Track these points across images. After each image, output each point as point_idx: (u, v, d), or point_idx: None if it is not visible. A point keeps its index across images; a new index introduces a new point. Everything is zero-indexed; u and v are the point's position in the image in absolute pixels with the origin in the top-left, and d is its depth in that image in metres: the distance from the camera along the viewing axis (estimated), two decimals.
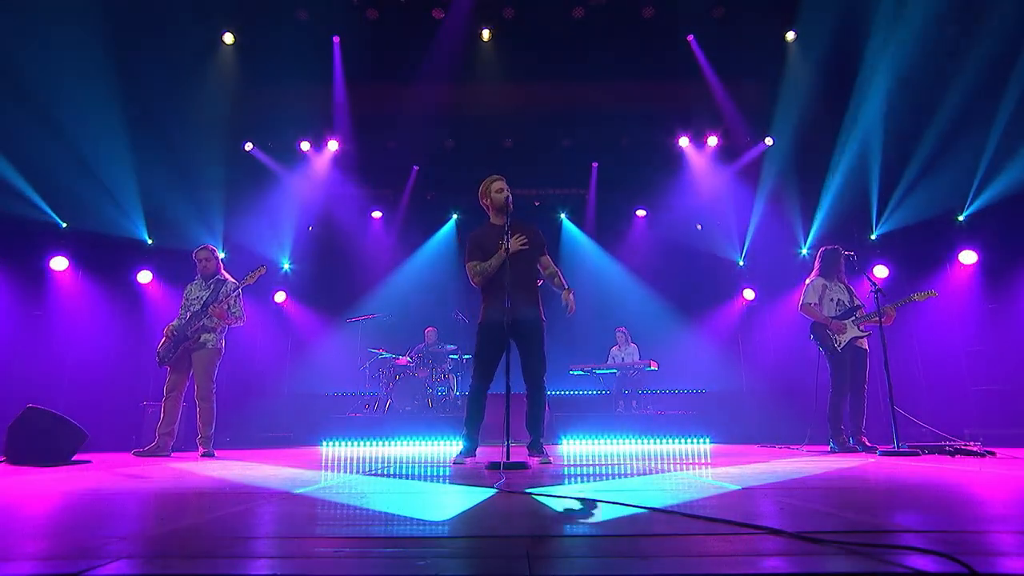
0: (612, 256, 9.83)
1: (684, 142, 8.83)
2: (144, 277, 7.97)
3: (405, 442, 6.64)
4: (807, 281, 5.30)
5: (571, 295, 3.80)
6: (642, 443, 6.62)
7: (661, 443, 6.62)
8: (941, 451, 4.12)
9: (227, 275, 5.20)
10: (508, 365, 3.41)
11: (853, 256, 4.99)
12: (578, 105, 8.16)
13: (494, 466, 3.04)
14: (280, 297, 9.01)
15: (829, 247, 5.26)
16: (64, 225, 7.48)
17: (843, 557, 1.06)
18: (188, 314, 4.98)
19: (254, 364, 8.41)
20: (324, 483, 2.65)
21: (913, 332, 7.49)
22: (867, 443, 4.78)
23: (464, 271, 3.96)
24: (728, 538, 1.28)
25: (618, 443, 6.60)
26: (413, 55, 7.59)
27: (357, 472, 3.26)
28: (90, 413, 6.97)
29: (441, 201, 9.81)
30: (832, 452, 4.74)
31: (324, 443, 6.70)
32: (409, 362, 7.88)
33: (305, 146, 8.64)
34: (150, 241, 8.05)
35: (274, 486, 2.48)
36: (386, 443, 6.66)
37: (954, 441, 4.52)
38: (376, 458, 4.47)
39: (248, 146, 8.55)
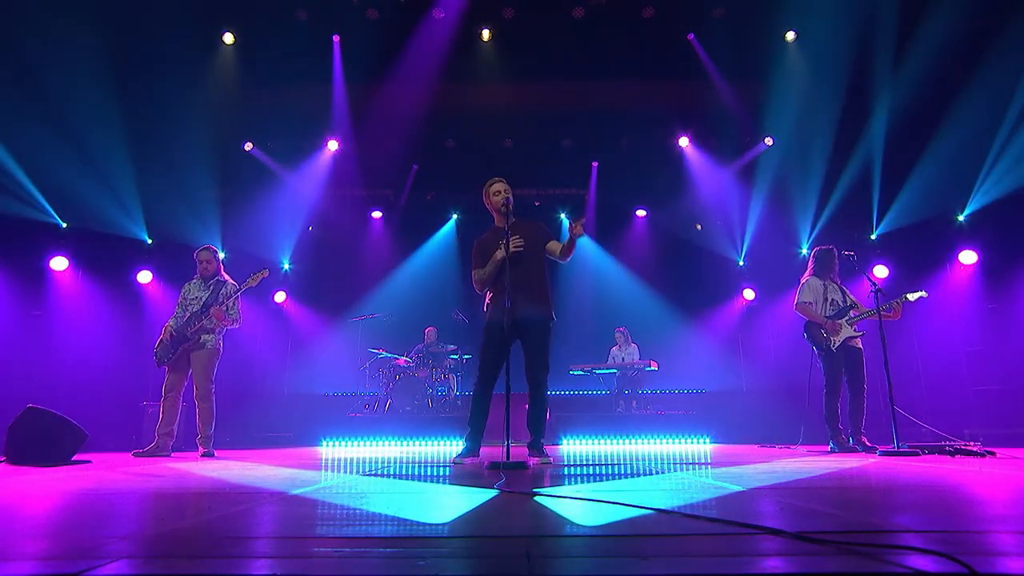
0: (612, 256, 9.83)
1: (684, 142, 8.83)
2: (144, 277, 7.97)
3: (405, 442, 6.64)
4: (802, 280, 5.31)
5: (579, 225, 3.59)
6: (642, 443, 6.62)
7: (661, 443, 6.62)
8: (941, 451, 4.12)
9: (227, 277, 5.18)
10: (508, 365, 3.41)
11: (853, 256, 4.98)
12: (578, 105, 8.15)
13: (494, 466, 3.04)
14: (280, 297, 9.01)
15: (823, 247, 5.27)
16: (64, 225, 7.49)
17: (843, 557, 1.06)
18: (187, 314, 4.97)
19: (254, 364, 8.41)
20: (324, 483, 2.65)
21: (913, 332, 7.49)
22: (867, 443, 4.78)
23: (469, 276, 3.96)
24: (728, 538, 1.28)
25: (618, 443, 6.60)
26: (413, 55, 7.58)
27: (357, 472, 3.26)
28: (90, 413, 6.97)
29: (441, 201, 9.82)
30: (832, 452, 4.74)
31: (324, 443, 6.70)
32: (409, 362, 7.88)
33: (312, 146, 8.63)
34: (150, 241, 8.05)
35: (274, 486, 2.48)
36: (386, 443, 6.66)
37: (954, 441, 4.52)
38: (376, 458, 4.47)
39: (248, 146, 8.55)
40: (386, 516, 1.67)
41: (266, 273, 4.96)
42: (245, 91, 7.86)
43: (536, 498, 1.96)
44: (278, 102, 8.01)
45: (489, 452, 3.97)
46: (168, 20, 6.80)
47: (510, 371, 3.38)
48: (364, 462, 4.04)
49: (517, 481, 2.46)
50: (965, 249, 7.25)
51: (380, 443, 6.67)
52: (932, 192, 7.27)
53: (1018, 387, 6.54)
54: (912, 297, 4.87)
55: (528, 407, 3.75)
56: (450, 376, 7.88)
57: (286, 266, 9.20)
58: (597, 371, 8.23)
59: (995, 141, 6.72)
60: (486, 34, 7.79)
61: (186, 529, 1.48)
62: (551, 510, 1.72)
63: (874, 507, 1.82)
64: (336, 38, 7.80)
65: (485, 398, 3.77)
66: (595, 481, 2.60)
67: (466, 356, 8.07)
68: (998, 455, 3.94)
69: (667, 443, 6.62)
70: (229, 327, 5.08)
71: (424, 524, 1.53)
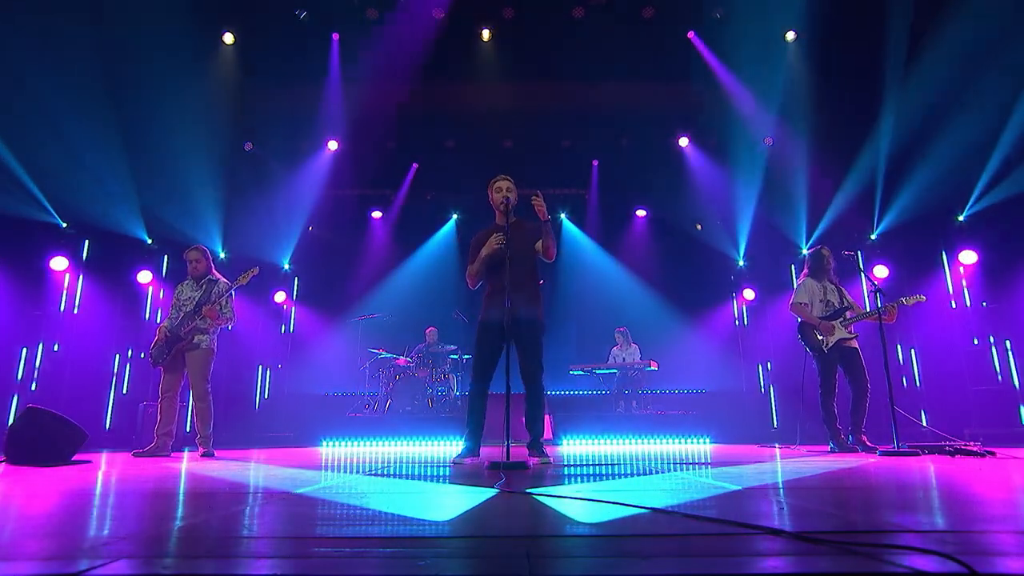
0: (612, 256, 9.83)
1: (684, 142, 8.83)
2: (144, 277, 7.97)
3: (405, 442, 6.64)
4: (798, 281, 5.33)
5: (540, 201, 3.59)
6: (642, 443, 6.62)
7: (661, 443, 6.62)
8: (941, 451, 4.12)
9: (219, 275, 5.18)
10: (508, 365, 3.41)
11: (853, 256, 4.98)
12: (578, 105, 8.16)
13: (494, 466, 3.04)
14: (280, 297, 9.01)
15: (814, 249, 5.29)
16: (64, 225, 7.49)
17: (843, 557, 1.06)
18: (180, 315, 4.96)
19: (255, 364, 8.42)
20: (324, 483, 2.65)
21: (913, 332, 7.50)
22: (867, 443, 4.78)
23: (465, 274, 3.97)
24: (728, 538, 1.28)
25: (618, 443, 6.60)
26: (413, 55, 7.58)
27: (357, 472, 3.26)
28: (90, 413, 6.98)
29: (441, 201, 9.82)
30: (832, 452, 4.75)
31: (324, 443, 6.70)
32: (409, 362, 7.88)
33: (311, 145, 8.63)
34: (150, 241, 8.05)
35: (274, 486, 2.48)
36: (386, 443, 6.66)
37: (954, 441, 4.52)
38: (376, 458, 4.47)
39: (248, 146, 8.55)
40: (386, 516, 1.67)
41: (256, 271, 4.95)
42: (245, 91, 7.87)
43: (536, 498, 1.95)
44: (278, 102, 8.02)
45: (489, 452, 3.97)
46: (168, 19, 6.80)
47: (510, 371, 3.38)
48: (364, 462, 4.04)
49: (517, 481, 2.46)
50: (965, 249, 7.25)
51: (380, 443, 6.67)
52: (932, 192, 7.27)
53: (1018, 387, 6.54)
54: (909, 302, 4.87)
55: (526, 407, 3.75)
56: (450, 376, 7.88)
57: (286, 266, 9.20)
58: (597, 371, 8.24)
59: (997, 141, 6.72)
60: (486, 34, 7.79)
61: (186, 529, 1.48)
62: (551, 510, 1.72)
63: (874, 507, 1.82)
64: (335, 36, 7.80)
65: (482, 397, 3.77)
66: (595, 481, 2.60)
67: (466, 356, 8.07)
68: (998, 455, 3.94)
69: (667, 443, 6.62)
70: (223, 326, 5.07)
71: (424, 524, 1.53)
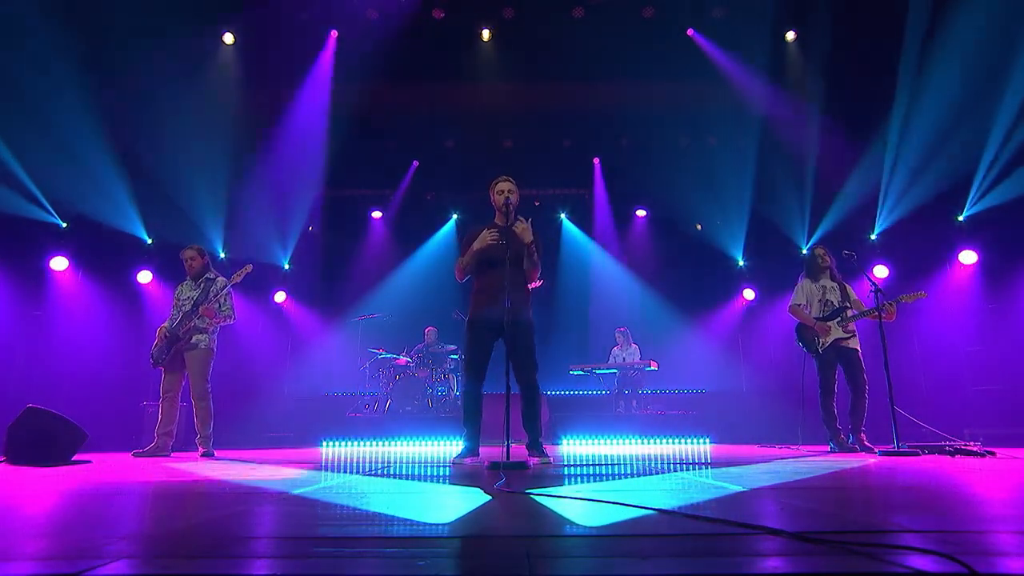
0: (612, 256, 9.83)
1: (684, 140, 8.82)
2: (144, 277, 7.97)
3: (405, 442, 6.64)
4: (797, 283, 5.34)
5: (525, 226, 3.70)
6: (642, 443, 6.62)
7: (661, 443, 6.62)
8: (941, 451, 4.12)
9: (216, 273, 5.18)
10: (508, 365, 3.41)
11: (853, 256, 4.98)
12: (578, 105, 8.16)
13: (494, 466, 3.04)
14: (280, 297, 9.01)
15: (809, 249, 5.32)
16: (64, 225, 7.49)
17: (843, 557, 1.06)
18: (179, 314, 4.97)
19: (254, 364, 8.41)
20: (324, 483, 2.65)
21: (913, 332, 7.50)
22: (866, 443, 4.78)
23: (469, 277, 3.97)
24: (728, 538, 1.28)
25: (618, 443, 6.60)
26: (413, 55, 7.59)
27: (357, 472, 3.26)
28: (90, 413, 6.96)
29: (441, 201, 9.82)
30: (832, 452, 4.75)
31: (324, 443, 6.70)
32: (409, 362, 7.88)
33: (311, 145, 8.61)
34: (150, 241, 8.05)
35: (274, 486, 2.48)
36: (386, 443, 6.66)
37: (954, 441, 4.52)
38: (376, 458, 4.47)
39: (247, 146, 8.54)
40: (386, 516, 1.67)
41: (249, 268, 4.96)
42: (245, 90, 7.86)
43: (536, 498, 1.95)
44: (278, 101, 8.02)
45: (489, 452, 3.97)
46: (168, 19, 6.80)
47: (509, 371, 3.38)
48: (364, 462, 4.04)
49: (517, 481, 2.46)
50: (965, 249, 7.25)
51: (380, 443, 6.67)
52: (933, 192, 7.27)
53: (1018, 387, 6.54)
54: (910, 299, 4.87)
55: (523, 407, 3.75)
56: (450, 376, 7.88)
57: (286, 266, 9.19)
58: (597, 371, 8.24)
59: (996, 141, 6.72)
60: (486, 34, 7.79)
61: (186, 529, 1.48)
62: (551, 510, 1.72)
63: (874, 507, 1.82)
64: (334, 33, 7.79)
65: (478, 397, 3.77)
66: (595, 481, 2.60)
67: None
68: (998, 455, 3.94)
69: (667, 443, 6.62)
70: (223, 324, 5.07)
71: (424, 524, 1.53)
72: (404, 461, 4.05)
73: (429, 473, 3.09)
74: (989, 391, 6.78)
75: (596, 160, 9.32)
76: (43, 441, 3.77)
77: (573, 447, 6.12)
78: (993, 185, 6.94)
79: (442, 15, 7.43)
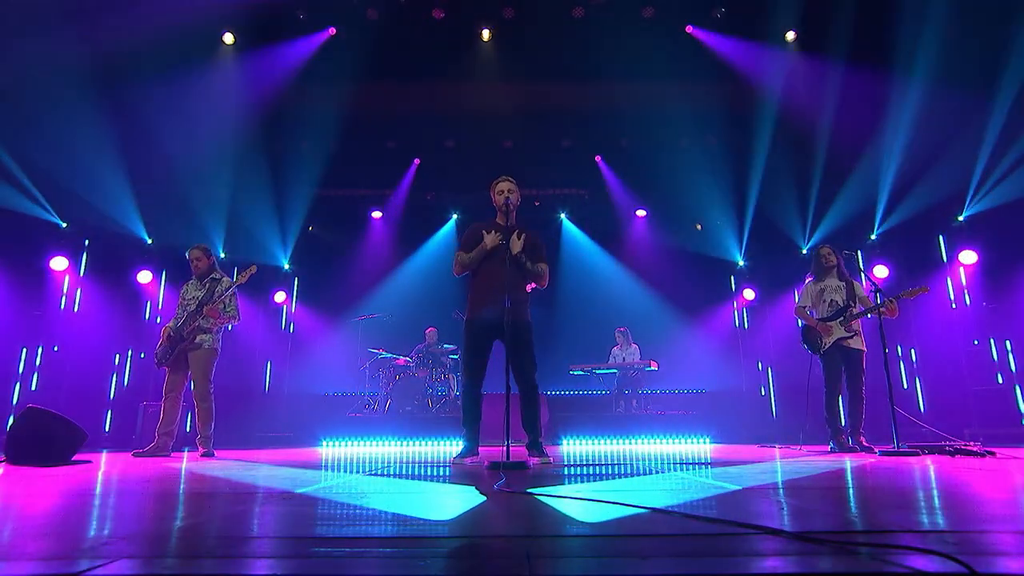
0: (612, 256, 9.83)
1: (684, 141, 8.82)
2: (144, 277, 7.98)
3: (405, 442, 6.64)
4: (804, 283, 5.36)
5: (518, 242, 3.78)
6: (642, 443, 6.62)
7: (661, 443, 6.62)
8: (941, 451, 4.12)
9: (222, 274, 5.18)
10: (508, 365, 3.41)
11: (854, 255, 4.99)
12: (578, 104, 8.15)
13: (494, 466, 3.04)
14: (280, 297, 9.01)
15: (812, 249, 5.32)
16: (64, 225, 7.49)
17: (843, 557, 1.06)
18: (184, 314, 4.97)
19: (255, 364, 8.42)
20: (324, 483, 2.65)
21: (913, 332, 7.50)
22: (864, 443, 4.78)
23: (469, 277, 3.97)
24: (728, 538, 1.28)
25: (618, 443, 6.60)
26: (413, 55, 7.58)
27: (357, 472, 3.26)
28: (90, 413, 6.98)
29: (441, 201, 9.82)
30: (832, 452, 4.74)
31: (324, 443, 6.70)
32: (409, 362, 7.88)
33: (311, 144, 8.60)
34: (150, 241, 8.05)
35: (274, 486, 2.48)
36: (386, 443, 6.66)
37: (954, 441, 4.52)
38: (376, 458, 4.47)
39: (247, 145, 8.54)
40: (386, 516, 1.67)
41: (254, 269, 4.95)
42: (245, 90, 7.85)
43: (536, 498, 1.95)
44: (278, 101, 8.01)
45: (489, 452, 3.97)
46: (168, 19, 6.79)
47: (509, 371, 3.38)
48: (364, 462, 4.04)
49: (517, 481, 2.46)
50: (965, 249, 7.25)
51: (380, 443, 6.67)
52: (933, 192, 7.27)
53: (1018, 387, 6.54)
54: (911, 294, 4.86)
55: (522, 407, 3.75)
56: (450, 376, 7.88)
57: (286, 266, 9.19)
58: (597, 371, 8.24)
59: (995, 141, 6.72)
60: (486, 34, 7.79)
61: (186, 529, 1.48)
62: (551, 510, 1.72)
63: (874, 507, 1.82)
64: (331, 30, 7.77)
65: (477, 397, 3.78)
66: (595, 481, 2.60)
67: None
68: (998, 455, 3.94)
69: (667, 443, 6.62)
70: (228, 324, 5.07)
71: (424, 524, 1.53)
72: (404, 461, 4.05)
73: (429, 473, 3.09)
74: (989, 391, 6.78)
75: (598, 158, 9.31)
76: (43, 441, 3.77)
77: (573, 447, 6.12)
78: (994, 185, 6.94)
79: (442, 15, 7.42)
